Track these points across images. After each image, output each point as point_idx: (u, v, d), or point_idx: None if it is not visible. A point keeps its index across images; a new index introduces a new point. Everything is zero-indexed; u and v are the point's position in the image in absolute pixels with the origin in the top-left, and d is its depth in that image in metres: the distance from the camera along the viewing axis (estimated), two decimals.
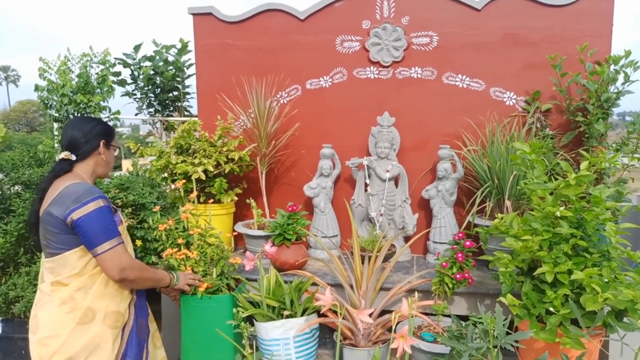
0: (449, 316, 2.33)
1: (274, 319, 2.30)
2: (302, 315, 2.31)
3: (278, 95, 3.21)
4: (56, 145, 3.81)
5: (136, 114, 5.27)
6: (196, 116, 5.33)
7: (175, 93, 5.39)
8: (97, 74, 3.68)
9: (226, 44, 3.26)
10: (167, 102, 5.20)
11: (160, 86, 5.10)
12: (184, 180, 2.67)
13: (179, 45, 5.38)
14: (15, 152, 3.87)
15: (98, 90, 3.64)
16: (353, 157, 3.04)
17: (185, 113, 5.43)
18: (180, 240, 2.47)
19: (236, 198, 2.98)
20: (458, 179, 2.85)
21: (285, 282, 2.47)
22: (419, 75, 3.06)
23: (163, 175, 3.01)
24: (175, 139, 2.87)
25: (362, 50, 3.12)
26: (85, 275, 1.93)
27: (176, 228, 2.55)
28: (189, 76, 5.37)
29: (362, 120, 3.12)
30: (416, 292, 2.46)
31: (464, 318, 2.15)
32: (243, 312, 2.22)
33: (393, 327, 2.05)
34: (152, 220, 2.57)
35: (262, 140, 2.91)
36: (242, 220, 3.19)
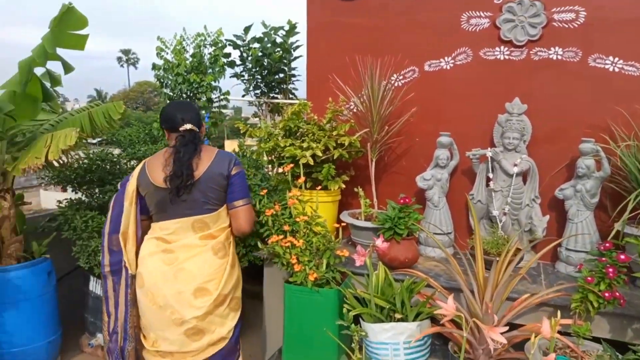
0: (588, 339, 1.98)
1: (383, 321, 2.11)
2: (414, 319, 2.10)
3: (392, 78, 2.97)
4: None
5: (243, 95, 5.30)
6: (301, 99, 5.26)
7: (281, 75, 5.34)
8: (209, 54, 3.70)
9: (339, 22, 3.08)
10: (273, 84, 5.18)
11: (268, 68, 5.07)
12: (291, 165, 2.55)
13: (287, 27, 5.32)
14: (132, 129, 4.03)
15: (210, 70, 3.66)
16: (475, 148, 2.73)
17: (290, 96, 5.37)
18: (286, 227, 2.36)
19: (344, 186, 2.81)
20: (602, 179, 2.44)
21: (395, 280, 2.26)
22: (560, 57, 2.66)
23: (268, 158, 2.92)
24: (284, 120, 2.75)
25: (492, 28, 2.77)
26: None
27: (282, 214, 2.44)
28: (296, 58, 5.29)
29: (486, 107, 2.78)
30: (546, 306, 2.14)
31: (602, 342, 1.80)
32: (352, 311, 2.05)
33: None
34: (259, 203, 2.48)
35: (374, 125, 2.70)
36: (347, 209, 3.02)
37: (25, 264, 3.14)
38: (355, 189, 2.71)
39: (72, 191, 3.76)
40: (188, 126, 2.20)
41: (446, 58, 2.88)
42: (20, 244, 3.21)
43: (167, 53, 3.64)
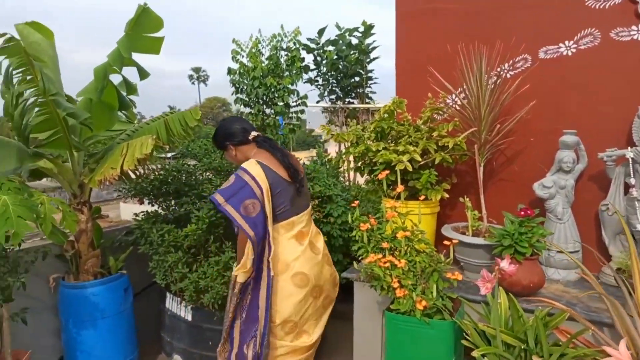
0: None
1: None
2: None
3: (499, 69, 2.55)
4: None
5: (318, 101, 5.05)
6: (377, 102, 4.88)
7: (357, 79, 5.03)
8: (286, 55, 3.47)
9: (434, 8, 2.71)
10: (348, 88, 4.88)
11: (343, 71, 4.79)
12: (387, 171, 2.20)
13: (361, 28, 5.02)
14: (207, 140, 3.87)
15: (287, 72, 3.43)
16: (609, 148, 2.25)
17: (367, 100, 5.04)
18: (384, 245, 2.01)
19: (447, 195, 2.42)
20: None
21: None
22: None
23: (354, 165, 2.60)
24: (376, 121, 2.42)
25: (626, 3, 2.30)
26: None
27: (378, 229, 2.09)
28: (372, 60, 4.96)
29: (621, 99, 2.31)
30: None
31: None
32: (476, 350, 1.67)
33: None
34: (351, 216, 2.15)
35: (482, 123, 2.29)
36: (445, 222, 2.63)
37: (102, 280, 3.01)
38: (461, 199, 2.31)
39: (149, 203, 3.63)
40: (255, 132, 2.36)
41: (567, 42, 2.43)
42: (97, 259, 3.08)
43: (243, 56, 3.45)
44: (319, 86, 4.96)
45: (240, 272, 2.24)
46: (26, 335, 2.75)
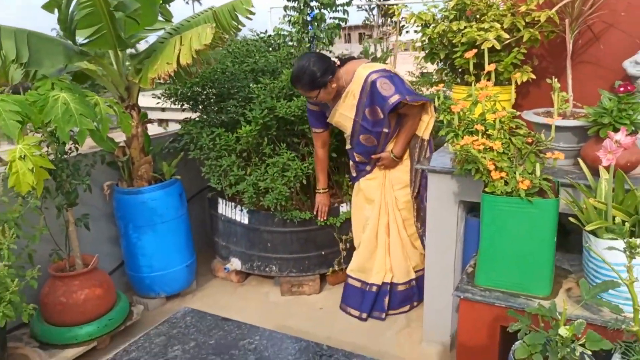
0: None
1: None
2: None
3: None
4: (287, 27, 3.47)
5: (348, 1, 4.69)
6: (411, 0, 4.56)
7: None
8: None
9: None
10: None
11: None
12: (474, 50, 2.04)
13: None
14: (247, 39, 3.65)
15: None
16: None
17: None
18: (478, 127, 1.90)
19: (533, 76, 2.26)
20: None
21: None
22: None
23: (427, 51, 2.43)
24: None
25: None
26: None
27: (470, 111, 1.97)
28: None
29: None
30: None
31: None
32: (590, 225, 1.61)
33: None
34: (437, 100, 2.02)
35: None
36: (520, 109, 2.49)
37: (159, 185, 2.96)
38: (548, 80, 2.15)
39: (190, 110, 3.50)
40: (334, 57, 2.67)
41: None
42: (150, 165, 3.02)
43: None
44: None
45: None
46: (86, 242, 2.74)
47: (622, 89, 1.96)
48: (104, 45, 2.62)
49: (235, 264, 3.25)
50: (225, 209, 3.27)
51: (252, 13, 2.73)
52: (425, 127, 2.64)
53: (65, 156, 2.47)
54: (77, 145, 2.54)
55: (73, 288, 2.48)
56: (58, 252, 2.54)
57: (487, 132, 1.92)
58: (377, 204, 2.77)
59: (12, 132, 2.07)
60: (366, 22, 4.69)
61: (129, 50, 2.99)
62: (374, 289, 2.78)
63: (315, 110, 2.76)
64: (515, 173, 1.77)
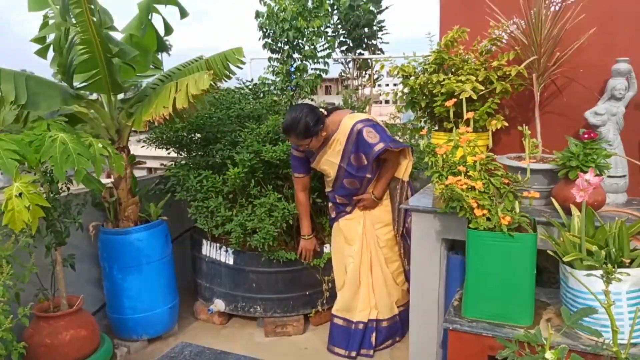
0: None
1: (596, 268, 1.80)
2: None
3: None
4: (270, 76, 3.66)
5: (328, 54, 4.97)
6: (385, 56, 4.88)
7: (366, 30, 5.00)
8: None
9: None
10: (362, 38, 4.85)
11: (356, 21, 4.74)
12: (454, 100, 2.24)
13: None
14: (233, 87, 3.80)
15: (314, 14, 3.38)
16: None
17: (377, 52, 5.03)
18: (460, 168, 2.06)
19: (506, 124, 2.48)
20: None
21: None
22: None
23: (407, 100, 2.63)
24: (436, 52, 2.43)
25: None
26: None
27: (451, 154, 2.14)
28: (382, 10, 4.92)
29: None
30: None
31: None
32: (567, 257, 1.76)
33: None
34: (422, 145, 2.19)
35: (542, 50, 2.33)
36: (494, 154, 2.69)
37: (146, 226, 2.99)
38: (520, 128, 2.37)
39: (176, 153, 3.58)
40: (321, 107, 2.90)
41: None
42: (137, 206, 3.05)
43: None
44: (328, 37, 4.88)
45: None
46: (68, 283, 2.71)
47: (586, 135, 2.18)
48: (99, 89, 2.72)
49: (219, 305, 3.25)
50: (209, 250, 3.30)
51: (243, 63, 2.89)
52: (404, 169, 2.81)
53: (57, 196, 2.49)
54: (68, 185, 2.57)
55: (58, 329, 2.45)
56: (44, 292, 2.51)
57: (467, 173, 2.09)
58: (358, 244, 2.88)
59: (9, 170, 2.11)
60: (342, 74, 4.98)
61: (119, 95, 3.08)
62: (360, 326, 2.84)
63: (299, 157, 2.89)
64: (497, 210, 1.93)
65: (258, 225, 2.90)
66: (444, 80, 2.37)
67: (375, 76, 4.93)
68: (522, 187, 2.05)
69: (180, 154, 3.57)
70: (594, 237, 1.88)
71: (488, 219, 1.97)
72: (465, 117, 2.19)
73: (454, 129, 2.20)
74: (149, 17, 2.62)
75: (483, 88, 2.33)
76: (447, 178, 2.04)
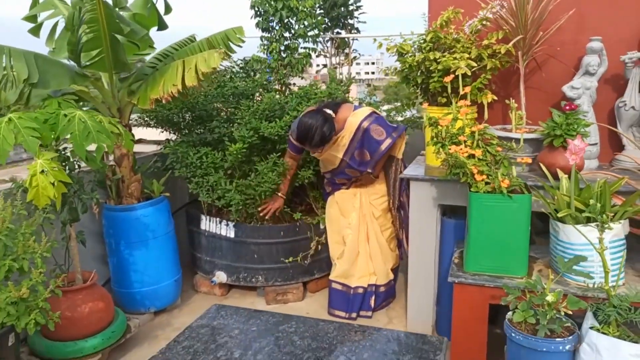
0: None
1: (582, 222, 2.07)
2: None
3: None
4: (263, 55, 3.75)
5: (317, 33, 5.02)
6: (363, 35, 5.04)
7: (342, 9, 5.10)
8: None
9: None
10: (339, 17, 4.96)
11: (334, 1, 4.85)
12: (452, 75, 2.44)
13: None
14: (227, 67, 3.84)
15: None
16: (630, 51, 2.63)
17: (353, 31, 5.16)
18: (462, 137, 2.28)
19: (496, 98, 2.71)
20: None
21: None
22: None
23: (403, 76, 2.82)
24: (431, 31, 2.62)
25: None
26: None
27: (452, 126, 2.35)
28: None
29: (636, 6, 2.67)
30: None
31: None
32: (561, 212, 2.01)
33: None
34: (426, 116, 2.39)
35: (523, 29, 2.57)
36: None
37: (151, 202, 3.07)
38: (507, 101, 2.61)
39: (171, 132, 3.64)
40: (328, 110, 2.88)
41: None
42: (139, 183, 3.12)
43: None
44: (318, 18, 4.93)
45: None
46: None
47: (567, 107, 2.44)
48: (101, 68, 2.74)
49: (221, 276, 3.38)
50: (208, 224, 3.42)
51: (242, 41, 2.98)
52: (398, 148, 3.00)
53: (71, 173, 2.54)
54: (79, 163, 2.62)
55: (77, 302, 2.52)
56: (61, 267, 2.58)
57: (466, 143, 2.31)
58: (355, 216, 3.07)
59: (32, 147, 2.16)
60: (320, 52, 5.04)
61: None
62: (360, 290, 3.06)
63: (297, 145, 2.99)
64: (497, 174, 2.16)
65: (262, 180, 3.00)
66: (439, 58, 2.56)
67: (353, 55, 5.08)
68: (515, 154, 2.28)
69: (172, 133, 3.62)
70: (580, 195, 2.14)
71: (487, 183, 2.21)
72: (462, 92, 2.40)
73: (453, 103, 2.41)
74: None
75: (476, 65, 2.54)
76: (449, 147, 2.26)
